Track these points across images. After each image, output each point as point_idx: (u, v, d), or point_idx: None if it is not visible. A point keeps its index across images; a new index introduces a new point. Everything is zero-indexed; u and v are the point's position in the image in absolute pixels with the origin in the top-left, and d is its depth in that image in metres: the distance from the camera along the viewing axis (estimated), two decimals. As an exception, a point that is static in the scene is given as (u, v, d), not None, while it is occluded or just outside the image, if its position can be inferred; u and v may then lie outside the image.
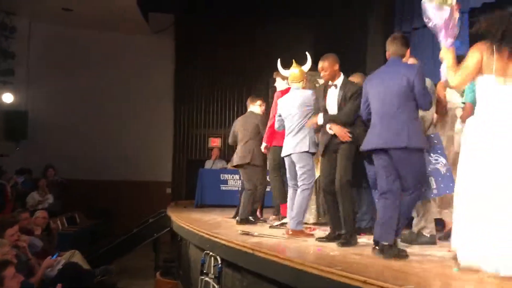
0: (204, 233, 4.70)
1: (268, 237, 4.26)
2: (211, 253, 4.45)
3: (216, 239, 4.36)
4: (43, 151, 10.01)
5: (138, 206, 10.19)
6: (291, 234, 4.33)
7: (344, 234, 3.86)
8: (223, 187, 8.06)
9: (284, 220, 5.00)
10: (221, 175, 8.11)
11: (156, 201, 10.21)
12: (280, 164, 5.14)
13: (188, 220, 5.77)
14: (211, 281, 4.32)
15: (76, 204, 9.62)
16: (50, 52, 10.40)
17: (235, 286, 4.23)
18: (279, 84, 5.49)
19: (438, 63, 3.28)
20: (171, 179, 11.18)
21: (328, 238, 3.99)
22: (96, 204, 10.02)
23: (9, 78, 9.41)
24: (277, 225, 5.03)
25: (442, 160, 3.90)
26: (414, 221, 4.35)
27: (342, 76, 4.08)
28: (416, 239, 4.12)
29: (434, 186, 3.87)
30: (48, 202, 8.24)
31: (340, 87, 4.02)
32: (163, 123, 11.13)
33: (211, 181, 8.20)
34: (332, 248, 3.68)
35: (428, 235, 4.20)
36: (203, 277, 4.48)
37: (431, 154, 4.01)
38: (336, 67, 4.04)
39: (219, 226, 5.15)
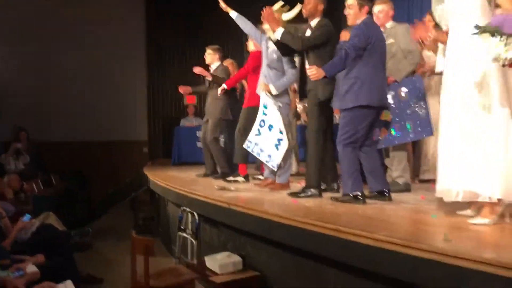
0: (180, 190, 4.67)
1: (244, 191, 4.25)
2: (188, 210, 4.43)
3: (192, 196, 4.33)
4: (13, 114, 9.72)
5: (114, 166, 10.09)
6: (274, 187, 4.35)
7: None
8: (199, 144, 7.99)
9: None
10: (197, 132, 8.02)
11: (132, 161, 10.10)
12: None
13: (164, 178, 5.72)
14: (189, 236, 4.32)
15: (51, 166, 9.45)
16: (14, 10, 9.91)
17: (213, 241, 4.26)
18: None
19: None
20: (148, 138, 11.03)
21: (299, 193, 3.92)
22: (72, 166, 9.84)
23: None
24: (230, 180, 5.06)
25: (421, 103, 3.90)
26: (389, 171, 4.40)
27: (319, 19, 3.95)
28: (391, 187, 4.16)
29: (411, 130, 3.89)
30: (23, 164, 8.06)
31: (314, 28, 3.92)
32: (137, 82, 10.86)
33: (187, 138, 8.14)
34: (307, 200, 3.69)
35: (402, 183, 4.25)
36: (181, 233, 4.47)
37: (411, 97, 4.01)
38: (321, 7, 3.91)
39: (196, 183, 5.12)
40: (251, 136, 4.48)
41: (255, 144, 4.42)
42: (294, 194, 3.86)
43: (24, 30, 9.94)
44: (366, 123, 3.51)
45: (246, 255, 3.66)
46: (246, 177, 5.06)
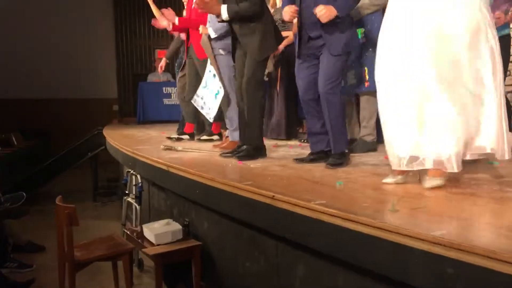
0: (126, 150, 4.22)
1: (191, 151, 3.82)
2: (131, 172, 4.01)
3: (135, 156, 3.90)
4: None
5: (82, 125, 9.59)
6: (225, 147, 3.91)
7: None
8: (166, 101, 7.51)
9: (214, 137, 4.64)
10: (164, 88, 7.53)
11: (102, 119, 9.61)
12: None
13: (117, 137, 5.27)
14: (133, 201, 3.92)
15: (13, 125, 8.95)
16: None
17: (161, 206, 3.86)
18: None
19: None
20: (117, 95, 10.49)
21: (232, 153, 3.46)
22: (35, 124, 9.34)
23: None
24: (204, 139, 4.64)
25: None
26: (358, 129, 3.98)
27: None
28: (358, 147, 3.76)
29: (367, 78, 3.42)
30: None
31: None
32: (104, 35, 10.23)
33: (153, 95, 7.64)
34: (257, 161, 3.26)
35: (370, 141, 3.85)
36: (125, 197, 4.07)
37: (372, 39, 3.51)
38: None
39: (146, 142, 4.67)
40: (199, 89, 4.04)
41: (201, 98, 4.01)
42: (229, 154, 3.44)
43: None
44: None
45: (190, 222, 3.28)
46: (191, 135, 4.64)
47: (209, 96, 4.05)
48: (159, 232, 3.09)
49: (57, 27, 9.74)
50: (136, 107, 9.79)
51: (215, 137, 4.66)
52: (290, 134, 4.78)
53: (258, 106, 3.31)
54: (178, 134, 4.75)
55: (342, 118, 2.97)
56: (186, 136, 4.69)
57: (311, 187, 2.36)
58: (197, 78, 4.40)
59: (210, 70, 4.00)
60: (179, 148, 3.87)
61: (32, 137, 8.88)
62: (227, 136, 4.10)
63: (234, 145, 3.76)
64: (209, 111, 4.08)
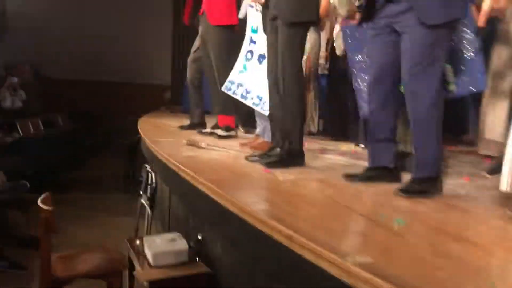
0: (147, 140, 3.60)
1: (215, 149, 3.10)
2: (147, 168, 3.37)
3: (152, 150, 3.26)
4: (25, 47, 8.94)
5: (132, 111, 9.20)
6: (257, 147, 3.16)
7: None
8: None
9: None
10: (211, 76, 6.88)
11: (152, 106, 9.21)
12: None
13: (148, 126, 4.69)
14: (145, 203, 3.29)
15: (63, 106, 8.73)
16: None
17: (179, 211, 3.19)
18: None
19: None
20: (170, 82, 10.03)
21: (260, 157, 2.69)
22: (85, 107, 9.07)
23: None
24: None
25: (468, 35, 2.46)
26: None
27: None
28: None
29: (452, 80, 2.49)
30: (20, 102, 7.30)
31: None
32: (161, 20, 9.75)
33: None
34: (291, 171, 2.48)
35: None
36: (140, 198, 3.44)
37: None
38: None
39: (174, 134, 4.01)
40: (234, 74, 3.30)
41: (238, 85, 3.25)
42: (256, 158, 2.68)
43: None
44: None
45: (204, 239, 2.58)
46: (229, 129, 3.81)
47: (254, 82, 3.23)
48: (159, 250, 2.41)
49: (115, 8, 9.40)
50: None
51: (222, 132, 3.77)
52: (342, 135, 3.95)
53: (297, 98, 2.54)
54: (211, 128, 4.04)
55: (434, 123, 2.01)
56: (223, 132, 3.82)
57: (355, 225, 1.58)
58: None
59: (250, 51, 3.25)
60: (203, 145, 3.17)
61: (80, 119, 8.60)
62: (258, 135, 3.36)
63: (266, 147, 3.02)
64: (259, 101, 3.21)
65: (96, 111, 9.09)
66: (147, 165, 3.42)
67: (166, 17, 9.77)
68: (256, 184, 2.19)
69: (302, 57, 2.64)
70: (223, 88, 3.40)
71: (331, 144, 3.70)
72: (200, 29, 3.98)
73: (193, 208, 2.55)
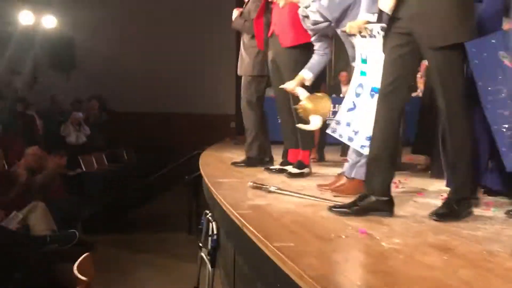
0: (207, 181, 3.10)
1: (288, 195, 2.52)
2: (208, 215, 2.86)
3: (213, 194, 2.74)
4: (93, 82, 8.96)
5: (198, 142, 8.91)
6: (342, 190, 2.56)
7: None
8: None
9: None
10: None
11: (218, 136, 8.87)
12: None
13: (212, 160, 4.23)
14: (207, 259, 2.76)
15: (129, 139, 8.60)
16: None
17: (244, 272, 2.62)
18: None
19: None
20: (235, 111, 9.67)
21: (349, 208, 2.10)
22: (150, 140, 8.88)
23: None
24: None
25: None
26: None
27: None
28: None
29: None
30: (84, 136, 7.18)
31: None
32: (226, 50, 9.48)
33: (268, 112, 6.50)
34: (394, 230, 1.85)
35: None
36: (200, 251, 2.93)
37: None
38: None
39: (240, 172, 3.49)
40: (341, 113, 2.74)
41: (347, 125, 2.69)
42: (344, 209, 2.09)
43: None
44: None
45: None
46: (302, 166, 3.26)
47: (364, 121, 2.63)
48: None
49: (181, 40, 9.28)
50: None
51: (295, 170, 3.23)
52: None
53: (466, 134, 2.02)
54: (280, 164, 3.49)
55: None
56: (296, 170, 3.26)
57: None
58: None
59: (361, 84, 2.68)
60: (272, 189, 2.60)
61: (146, 153, 8.41)
62: (343, 173, 2.75)
63: (355, 188, 2.41)
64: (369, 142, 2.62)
65: (162, 144, 8.89)
66: (208, 212, 2.91)
67: (230, 47, 9.51)
68: (349, 256, 1.59)
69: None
70: (328, 131, 2.84)
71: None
72: (270, 53, 3.53)
73: (262, 276, 1.99)
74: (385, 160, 2.06)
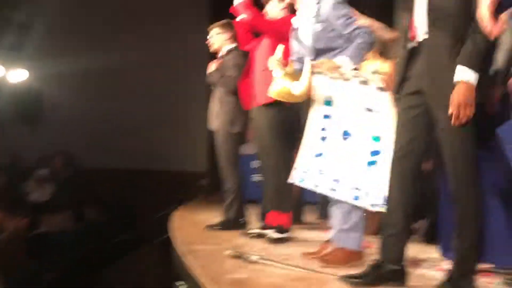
0: (180, 250, 2.83)
1: (272, 264, 2.28)
2: (180, 286, 2.58)
3: (187, 266, 2.48)
4: (59, 137, 8.64)
5: (167, 201, 8.56)
6: (330, 259, 2.34)
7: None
8: (254, 177, 6.15)
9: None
10: (251, 162, 6.18)
11: (188, 195, 8.58)
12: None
13: (184, 223, 3.97)
14: None
15: (96, 197, 8.19)
16: (66, 18, 8.97)
17: None
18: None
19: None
20: (206, 167, 9.43)
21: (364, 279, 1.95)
22: (118, 197, 8.50)
23: (17, 52, 8.14)
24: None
25: None
26: None
27: None
28: None
29: None
30: (48, 194, 6.80)
31: None
32: (196, 103, 9.37)
33: (241, 170, 6.31)
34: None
35: None
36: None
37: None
38: None
39: (216, 237, 3.24)
40: (305, 160, 2.56)
41: (319, 172, 2.49)
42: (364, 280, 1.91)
43: (76, 44, 8.98)
44: None
45: None
46: (284, 231, 3.05)
47: (343, 167, 2.47)
48: None
49: (148, 93, 9.14)
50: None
51: (276, 234, 3.03)
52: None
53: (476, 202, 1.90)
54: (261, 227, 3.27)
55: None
56: (277, 234, 3.05)
57: None
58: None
59: (323, 128, 2.53)
60: (253, 258, 2.36)
61: (113, 211, 8.00)
62: (330, 241, 2.53)
63: (345, 258, 2.21)
64: (358, 193, 2.40)
65: (129, 202, 8.50)
66: (179, 285, 2.63)
67: (200, 100, 9.40)
68: None
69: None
70: (291, 180, 2.65)
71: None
72: (251, 112, 3.42)
73: None
74: (402, 227, 1.96)
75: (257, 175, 6.16)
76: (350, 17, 2.53)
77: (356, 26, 2.49)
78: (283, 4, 3.17)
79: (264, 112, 3.26)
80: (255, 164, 6.07)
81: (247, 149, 7.65)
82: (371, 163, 2.37)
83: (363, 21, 2.53)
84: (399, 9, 2.16)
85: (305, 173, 2.56)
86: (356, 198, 2.39)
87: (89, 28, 9.01)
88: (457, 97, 1.78)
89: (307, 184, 2.57)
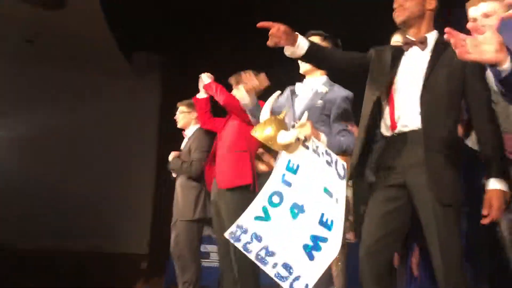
0: None
1: None
2: None
3: None
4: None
5: (103, 286, 7.94)
6: None
7: None
8: (203, 262, 5.90)
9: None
10: (202, 245, 5.96)
11: (126, 280, 8.04)
12: None
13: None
14: None
15: (27, 280, 7.45)
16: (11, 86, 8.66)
17: None
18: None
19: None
20: (148, 251, 8.99)
21: None
22: (47, 280, 7.78)
23: None
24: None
25: None
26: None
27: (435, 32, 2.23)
28: None
29: None
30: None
31: (434, 49, 2.15)
32: (143, 180, 9.13)
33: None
34: None
35: None
36: None
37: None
38: (431, 4, 2.19)
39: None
40: (246, 218, 2.34)
41: (254, 236, 2.28)
42: None
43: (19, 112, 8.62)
44: None
45: None
46: None
47: (281, 240, 2.26)
48: None
49: (90, 170, 8.79)
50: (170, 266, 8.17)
51: None
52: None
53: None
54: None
55: None
56: None
57: None
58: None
59: (276, 192, 2.35)
60: None
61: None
62: None
63: None
64: (291, 275, 2.20)
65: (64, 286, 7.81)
66: None
67: (145, 180, 9.17)
68: None
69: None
70: (226, 235, 2.41)
71: None
72: (212, 195, 3.34)
73: None
74: None
75: (206, 260, 5.95)
76: (348, 117, 2.61)
77: (346, 127, 2.57)
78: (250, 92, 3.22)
79: (228, 196, 3.20)
80: (206, 248, 5.87)
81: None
82: (311, 247, 2.20)
83: (354, 129, 2.61)
84: (370, 95, 2.18)
85: (241, 230, 2.32)
86: (280, 277, 2.22)
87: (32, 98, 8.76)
88: (497, 203, 1.91)
89: (240, 245, 2.32)
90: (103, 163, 8.80)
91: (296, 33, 2.12)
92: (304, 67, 2.84)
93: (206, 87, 3.34)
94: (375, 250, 1.98)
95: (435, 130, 1.97)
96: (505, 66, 1.40)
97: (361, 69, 2.24)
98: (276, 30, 2.01)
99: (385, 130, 2.16)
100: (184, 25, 7.89)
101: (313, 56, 2.17)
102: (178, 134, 8.89)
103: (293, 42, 2.09)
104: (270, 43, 2.06)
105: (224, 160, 3.27)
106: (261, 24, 2.03)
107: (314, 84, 2.78)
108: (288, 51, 2.14)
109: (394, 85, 2.12)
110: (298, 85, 2.90)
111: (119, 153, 8.90)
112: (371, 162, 2.21)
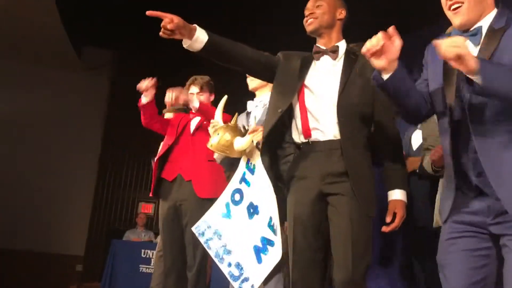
0: None
1: None
2: None
3: None
4: None
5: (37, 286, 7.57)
6: None
7: None
8: (143, 268, 5.78)
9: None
10: (143, 251, 5.85)
11: (60, 282, 7.71)
12: None
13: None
14: None
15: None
16: None
17: None
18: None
19: None
20: (84, 252, 8.67)
21: None
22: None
23: None
24: None
25: None
26: None
27: (343, 41, 2.21)
28: None
29: None
30: None
31: (345, 58, 2.15)
32: (83, 180, 8.81)
33: (127, 258, 5.90)
34: None
35: None
36: None
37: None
38: (341, 14, 2.17)
39: None
40: (212, 215, 2.42)
41: (216, 234, 2.36)
42: None
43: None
44: None
45: None
46: None
47: (237, 239, 2.35)
48: None
49: (31, 165, 8.38)
50: (104, 268, 7.92)
51: None
52: None
53: None
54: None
55: None
56: None
57: None
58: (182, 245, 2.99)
59: (239, 190, 2.41)
60: None
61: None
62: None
63: None
64: (241, 276, 2.27)
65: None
66: None
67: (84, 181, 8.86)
68: None
69: None
70: (193, 228, 2.47)
71: None
72: (172, 198, 3.20)
73: None
74: None
75: (146, 266, 5.82)
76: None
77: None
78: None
79: (204, 205, 3.09)
80: (147, 253, 5.76)
81: (137, 235, 7.25)
82: (260, 249, 2.24)
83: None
84: (280, 98, 2.12)
85: (206, 226, 2.43)
86: (233, 277, 2.28)
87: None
88: (402, 212, 2.01)
89: (202, 239, 2.44)
90: (42, 159, 8.42)
91: (194, 25, 1.95)
92: (252, 84, 2.82)
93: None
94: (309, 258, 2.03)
95: (353, 140, 1.97)
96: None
97: (266, 70, 2.15)
98: (168, 22, 1.85)
99: (296, 137, 2.11)
100: (137, 23, 7.72)
101: (213, 50, 2.00)
102: (122, 137, 8.77)
103: (189, 35, 1.92)
104: (162, 34, 1.88)
105: (205, 169, 3.14)
106: (150, 12, 1.84)
107: (265, 99, 2.77)
108: (185, 44, 1.97)
109: (305, 92, 2.06)
110: (249, 103, 2.87)
111: (60, 150, 8.54)
112: (282, 171, 2.16)
